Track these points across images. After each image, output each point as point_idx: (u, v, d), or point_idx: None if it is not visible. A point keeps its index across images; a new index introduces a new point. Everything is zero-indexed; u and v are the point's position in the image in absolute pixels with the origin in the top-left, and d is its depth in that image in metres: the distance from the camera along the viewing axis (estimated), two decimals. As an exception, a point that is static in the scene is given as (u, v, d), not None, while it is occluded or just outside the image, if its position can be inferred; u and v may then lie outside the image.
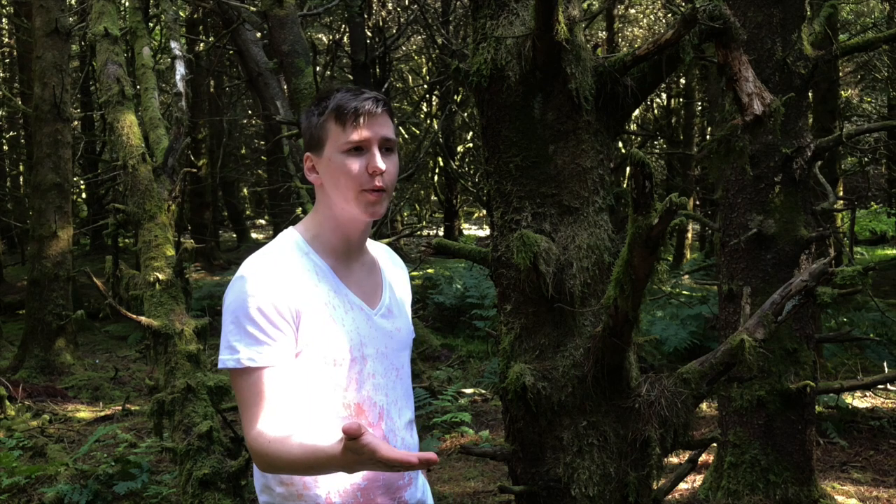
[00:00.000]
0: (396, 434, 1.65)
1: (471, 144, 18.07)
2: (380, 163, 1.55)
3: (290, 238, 1.63)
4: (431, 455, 1.26)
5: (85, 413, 6.83)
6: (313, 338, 1.53)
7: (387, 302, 1.70)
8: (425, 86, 17.43)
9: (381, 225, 8.44)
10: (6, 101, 14.32)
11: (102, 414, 6.77)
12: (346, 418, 1.57)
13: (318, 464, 1.37)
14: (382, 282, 1.72)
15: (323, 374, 1.55)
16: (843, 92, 13.62)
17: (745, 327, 1.96)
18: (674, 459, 4.69)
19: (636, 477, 1.96)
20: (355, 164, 1.55)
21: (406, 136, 18.95)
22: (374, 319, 1.64)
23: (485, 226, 22.03)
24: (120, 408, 6.84)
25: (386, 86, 13.74)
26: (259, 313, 1.50)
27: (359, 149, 1.56)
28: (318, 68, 6.47)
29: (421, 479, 1.77)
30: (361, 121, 1.55)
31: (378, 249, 1.79)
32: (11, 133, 18.52)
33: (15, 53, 17.61)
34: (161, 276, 4.03)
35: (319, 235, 1.63)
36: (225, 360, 1.52)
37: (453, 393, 6.43)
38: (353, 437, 1.24)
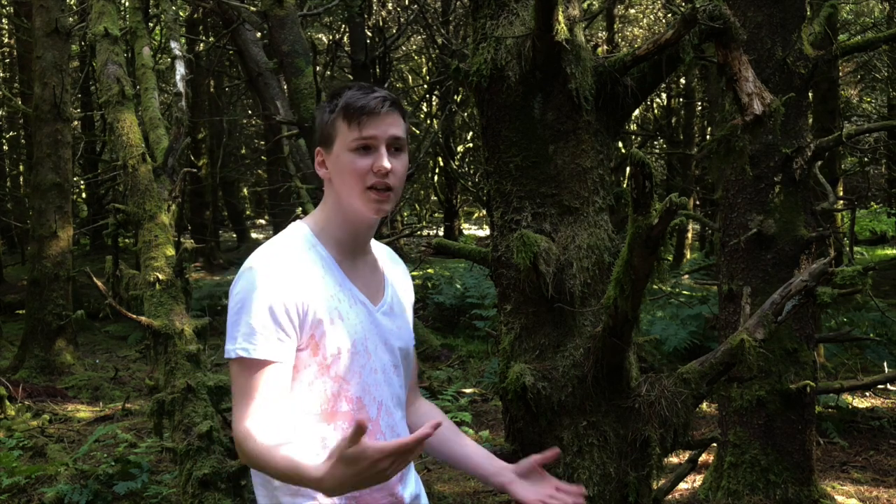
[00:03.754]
0: (395, 430, 1.67)
1: (471, 144, 18.07)
2: (385, 162, 1.56)
3: (299, 230, 1.64)
4: (427, 429, 1.30)
5: (85, 413, 6.83)
6: (318, 331, 1.55)
7: (389, 300, 1.71)
8: (425, 86, 17.43)
9: (382, 225, 8.44)
10: (6, 101, 14.32)
11: (102, 414, 6.76)
12: (348, 413, 1.58)
13: (300, 481, 1.40)
14: (385, 280, 1.74)
15: (326, 366, 1.57)
16: (843, 92, 13.62)
17: (745, 327, 1.96)
18: (674, 459, 4.69)
19: (636, 477, 1.96)
20: (362, 163, 1.57)
21: (406, 136, 18.90)
22: (376, 316, 1.66)
23: (485, 226, 22.03)
24: (120, 408, 6.84)
25: (386, 86, 13.74)
26: (262, 307, 1.51)
27: (366, 147, 1.57)
28: (318, 68, 6.47)
29: (413, 473, 1.77)
30: (369, 119, 1.56)
31: (380, 250, 1.81)
32: (11, 133, 18.52)
33: (15, 53, 17.61)
34: (161, 276, 4.02)
35: (327, 229, 1.65)
36: (227, 349, 1.54)
37: (453, 393, 6.43)
38: (358, 433, 1.26)
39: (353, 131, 1.57)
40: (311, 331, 1.55)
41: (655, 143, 16.07)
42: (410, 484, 1.72)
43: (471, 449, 1.82)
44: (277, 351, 1.52)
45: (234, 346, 1.52)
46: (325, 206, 1.66)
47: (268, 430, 1.48)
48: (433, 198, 21.17)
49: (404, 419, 1.73)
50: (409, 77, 20.18)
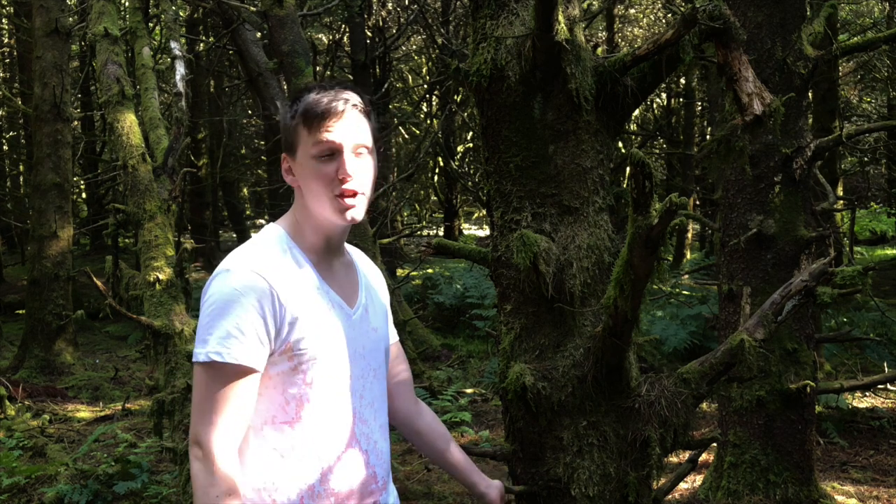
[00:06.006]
0: (370, 437, 1.63)
1: (471, 144, 18.07)
2: (349, 169, 1.52)
3: (275, 233, 1.61)
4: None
5: (85, 413, 6.83)
6: (294, 335, 1.52)
7: (363, 301, 1.68)
8: (425, 86, 17.44)
9: (381, 225, 8.44)
10: (6, 101, 14.32)
11: (102, 414, 6.76)
12: (320, 419, 1.57)
13: None
14: (359, 281, 1.71)
15: (302, 371, 1.54)
16: (843, 92, 13.62)
17: (745, 327, 1.96)
18: (674, 459, 4.69)
19: (636, 477, 1.95)
20: (326, 170, 1.52)
21: (406, 136, 18.95)
22: (352, 319, 1.63)
23: (485, 226, 22.03)
24: (120, 408, 6.84)
25: (386, 86, 13.74)
26: (239, 311, 1.47)
27: (330, 153, 1.52)
28: (318, 68, 6.46)
29: (391, 485, 1.76)
30: (329, 124, 1.51)
31: (354, 252, 1.78)
32: (11, 133, 18.52)
33: (15, 53, 17.61)
34: (161, 276, 4.03)
35: (301, 233, 1.61)
36: (197, 353, 1.50)
37: (453, 393, 6.43)
38: None
39: (314, 138, 1.52)
40: (288, 335, 1.51)
41: (655, 143, 16.07)
42: (390, 494, 1.71)
43: (463, 459, 1.89)
44: (253, 357, 1.48)
45: (207, 350, 1.47)
46: (297, 210, 1.62)
47: (232, 457, 1.48)
48: (433, 198, 21.18)
49: (384, 427, 1.70)
50: (409, 77, 20.18)
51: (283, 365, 1.53)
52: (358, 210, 1.55)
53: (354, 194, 1.53)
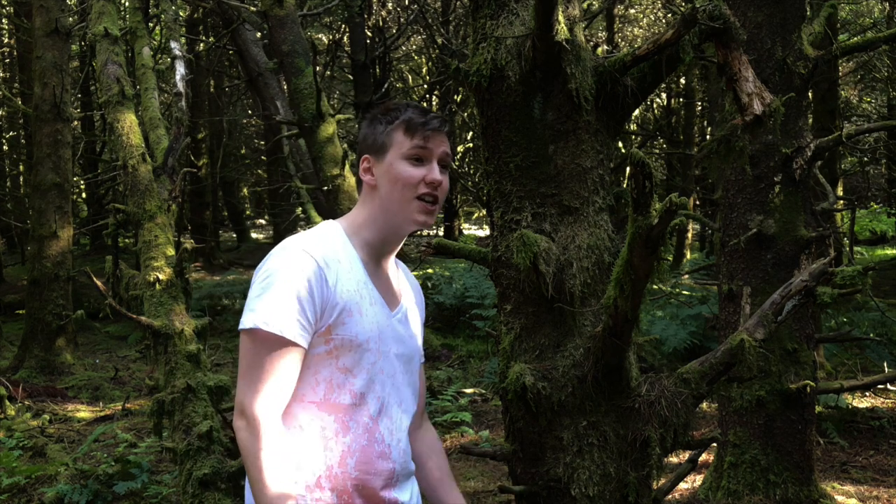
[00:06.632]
0: (394, 434, 1.69)
1: (471, 144, 18.07)
2: (437, 174, 1.68)
3: (333, 227, 1.71)
4: None
5: (85, 413, 6.83)
6: (336, 319, 1.59)
7: (403, 309, 1.79)
8: (425, 86, 17.44)
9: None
10: (6, 101, 14.31)
11: (102, 414, 6.76)
12: (348, 406, 1.62)
13: (259, 491, 1.51)
14: (402, 291, 1.83)
15: (336, 355, 1.61)
16: (843, 92, 13.61)
17: (745, 327, 1.96)
18: (674, 459, 4.69)
19: (636, 477, 1.95)
20: (415, 172, 1.67)
21: (406, 136, 18.88)
22: (392, 320, 1.72)
23: (485, 226, 22.04)
24: (120, 408, 6.84)
25: (386, 86, 13.74)
26: (291, 288, 1.55)
27: (419, 159, 1.68)
28: (318, 68, 6.47)
29: (412, 480, 1.79)
30: (429, 134, 1.69)
31: (402, 266, 1.89)
32: (11, 133, 18.51)
33: (15, 53, 17.61)
34: (161, 276, 4.02)
35: (359, 231, 1.72)
36: (244, 320, 1.57)
37: (453, 393, 6.43)
38: None
39: (412, 142, 1.68)
40: (330, 318, 1.59)
41: (655, 143, 16.07)
42: (406, 490, 1.74)
43: (457, 500, 1.86)
44: (297, 332, 1.55)
45: (254, 318, 1.54)
46: (362, 210, 1.73)
47: (277, 423, 1.53)
48: (433, 198, 21.12)
49: (408, 430, 1.76)
50: (409, 77, 20.18)
51: (320, 348, 1.60)
52: (431, 217, 1.70)
53: (435, 200, 1.69)
